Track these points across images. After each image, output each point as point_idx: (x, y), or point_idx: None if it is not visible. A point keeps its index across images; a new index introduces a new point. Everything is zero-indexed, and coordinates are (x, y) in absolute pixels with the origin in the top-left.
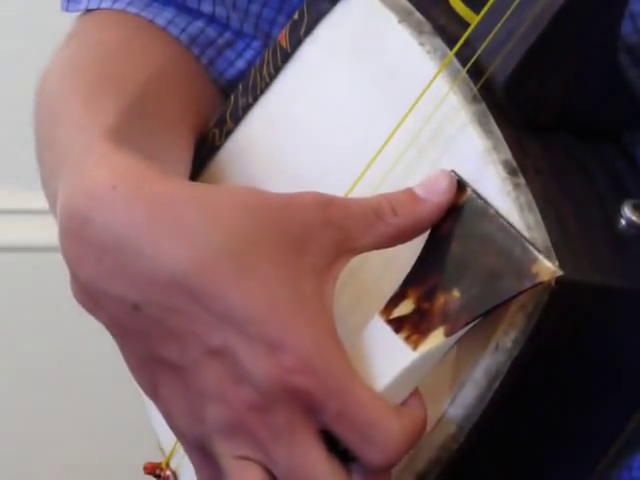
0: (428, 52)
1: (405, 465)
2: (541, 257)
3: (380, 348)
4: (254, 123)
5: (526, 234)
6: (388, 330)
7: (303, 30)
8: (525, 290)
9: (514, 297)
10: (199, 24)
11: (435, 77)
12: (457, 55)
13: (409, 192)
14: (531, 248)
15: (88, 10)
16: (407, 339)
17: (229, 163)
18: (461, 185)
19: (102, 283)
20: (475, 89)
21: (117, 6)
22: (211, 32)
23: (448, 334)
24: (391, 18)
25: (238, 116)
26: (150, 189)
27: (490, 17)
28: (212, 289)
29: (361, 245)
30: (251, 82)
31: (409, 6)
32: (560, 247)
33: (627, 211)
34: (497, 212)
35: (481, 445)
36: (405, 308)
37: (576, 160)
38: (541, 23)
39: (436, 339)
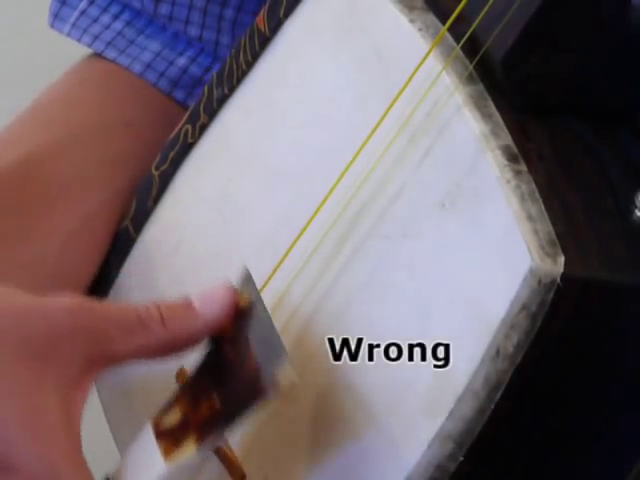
0: (420, 30)
1: None
2: (286, 361)
3: (144, 458)
4: (231, 116)
5: (527, 225)
6: (153, 439)
7: (283, 11)
8: (259, 399)
9: (252, 407)
10: (182, 62)
11: (426, 56)
12: (451, 31)
13: (185, 302)
14: (283, 352)
15: (69, 36)
16: (165, 450)
17: (204, 162)
18: (249, 284)
19: None
20: (471, 67)
21: (97, 46)
22: (196, 69)
23: (199, 444)
24: None
25: (213, 109)
26: None
27: None
28: None
29: (120, 354)
30: (226, 71)
31: None
32: (566, 240)
33: None
34: (269, 315)
35: (483, 464)
36: (173, 417)
37: (585, 145)
38: None
39: (187, 449)
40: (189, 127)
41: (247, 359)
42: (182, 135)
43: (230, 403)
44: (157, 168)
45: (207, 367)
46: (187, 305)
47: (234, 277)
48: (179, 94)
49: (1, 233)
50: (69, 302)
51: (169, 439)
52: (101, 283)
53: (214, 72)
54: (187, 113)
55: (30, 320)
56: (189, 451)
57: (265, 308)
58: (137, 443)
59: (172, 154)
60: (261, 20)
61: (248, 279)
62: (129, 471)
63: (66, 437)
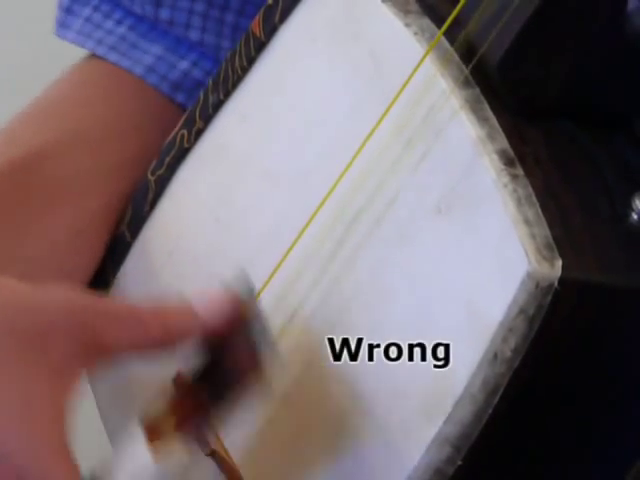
0: (415, 34)
1: None
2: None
3: (131, 452)
4: (226, 121)
5: (524, 229)
6: (141, 435)
7: (278, 16)
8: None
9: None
10: (184, 65)
11: (422, 60)
12: (447, 36)
13: (183, 304)
14: (271, 336)
15: (74, 43)
16: (152, 445)
17: (200, 167)
18: (246, 287)
19: None
20: (467, 72)
21: (99, 51)
22: (198, 73)
23: (184, 436)
24: None
25: (208, 114)
26: None
27: None
28: None
29: (112, 346)
30: (222, 76)
31: None
32: (563, 243)
33: (639, 204)
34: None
35: (482, 468)
36: (162, 415)
37: (581, 149)
38: None
39: (173, 443)
40: (185, 132)
41: (240, 353)
42: (178, 140)
43: (218, 395)
44: (153, 173)
45: (202, 370)
46: (184, 306)
47: (232, 279)
48: (180, 97)
49: (1, 228)
50: (65, 297)
51: (156, 435)
52: (98, 287)
53: (209, 77)
54: (183, 118)
55: (27, 313)
56: (175, 445)
57: (261, 310)
58: (125, 439)
59: (168, 159)
60: (256, 25)
61: (246, 282)
62: (116, 464)
63: (53, 427)
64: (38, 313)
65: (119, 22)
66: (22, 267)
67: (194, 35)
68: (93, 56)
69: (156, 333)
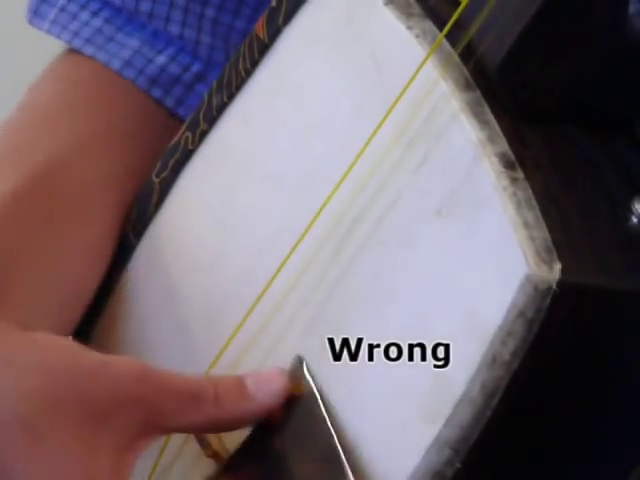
0: (417, 36)
1: None
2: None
3: None
4: (230, 123)
5: (524, 232)
6: None
7: (281, 18)
8: None
9: None
10: (161, 60)
11: (423, 62)
12: (449, 38)
13: (239, 383)
14: (349, 472)
15: (48, 33)
16: None
17: (204, 169)
18: (300, 374)
19: None
20: (468, 74)
21: (75, 43)
22: (175, 68)
23: None
24: (376, 0)
25: (212, 116)
26: None
27: None
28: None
29: (173, 426)
30: (226, 78)
31: None
32: (563, 247)
33: (639, 208)
34: (327, 418)
35: (481, 470)
36: None
37: (581, 152)
38: None
39: None
40: (189, 134)
41: (300, 459)
42: (182, 142)
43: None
44: (158, 175)
45: (252, 451)
46: (241, 386)
47: (288, 364)
48: (156, 92)
49: (30, 251)
50: (133, 368)
51: None
52: (100, 290)
53: (214, 80)
54: (187, 120)
55: (94, 383)
56: None
57: (319, 403)
58: None
59: (172, 161)
60: (260, 28)
61: (302, 368)
62: None
63: None
64: (108, 384)
65: (95, 14)
66: (39, 291)
67: (174, 29)
68: (68, 53)
69: (212, 417)
